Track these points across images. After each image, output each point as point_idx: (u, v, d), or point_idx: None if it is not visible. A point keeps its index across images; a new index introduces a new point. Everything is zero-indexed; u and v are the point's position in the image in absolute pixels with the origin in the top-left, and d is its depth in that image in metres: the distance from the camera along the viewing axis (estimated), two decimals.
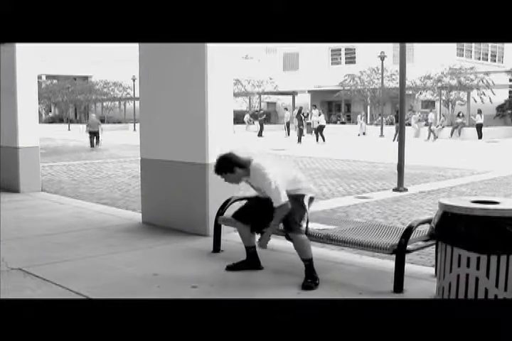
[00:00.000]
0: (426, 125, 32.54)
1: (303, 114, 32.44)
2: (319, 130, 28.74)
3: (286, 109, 38.98)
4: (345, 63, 44.04)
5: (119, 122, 50.40)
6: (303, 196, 4.97)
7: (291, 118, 34.60)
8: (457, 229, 3.91)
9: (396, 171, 11.34)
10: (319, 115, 30.73)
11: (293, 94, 44.27)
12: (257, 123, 37.64)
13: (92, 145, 24.17)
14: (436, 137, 32.17)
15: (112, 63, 54.43)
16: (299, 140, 29.02)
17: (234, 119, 7.42)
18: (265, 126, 37.48)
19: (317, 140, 28.46)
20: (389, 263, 5.14)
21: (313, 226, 5.40)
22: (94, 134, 24.32)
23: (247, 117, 41.77)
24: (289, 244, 6.25)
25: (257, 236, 5.12)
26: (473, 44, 41.72)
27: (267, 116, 39.27)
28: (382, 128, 33.87)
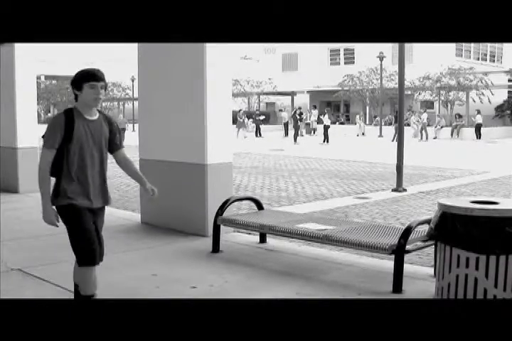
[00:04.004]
0: (428, 125, 32.54)
1: (299, 115, 32.48)
2: (325, 130, 28.73)
3: (281, 110, 39.00)
4: (344, 63, 44.06)
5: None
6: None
7: (290, 118, 34.64)
8: (456, 230, 3.91)
9: (395, 171, 11.35)
10: (324, 115, 30.70)
11: (292, 94, 44.28)
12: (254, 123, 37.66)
13: None
14: (435, 137, 32.21)
15: (111, 63, 54.44)
16: (295, 140, 29.15)
17: (232, 120, 7.42)
18: (264, 127, 37.47)
19: (324, 140, 28.46)
20: (388, 264, 5.14)
21: (312, 226, 5.41)
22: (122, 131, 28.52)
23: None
24: (288, 245, 6.26)
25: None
26: (472, 44, 41.75)
27: (265, 118, 39.25)
28: (381, 129, 33.88)
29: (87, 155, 3.74)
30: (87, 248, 3.85)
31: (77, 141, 3.67)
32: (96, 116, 3.80)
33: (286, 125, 35.20)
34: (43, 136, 3.73)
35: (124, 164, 4.09)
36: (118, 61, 51.94)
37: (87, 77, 3.67)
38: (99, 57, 55.11)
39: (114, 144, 3.94)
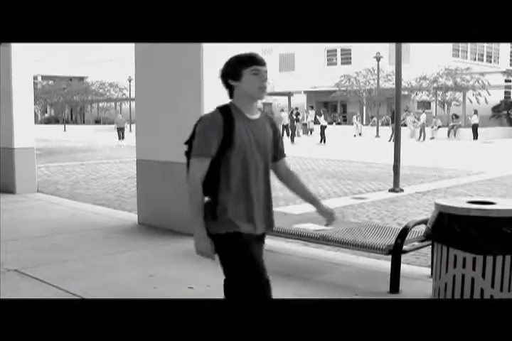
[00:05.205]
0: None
1: (296, 115, 32.51)
2: (322, 130, 28.79)
3: (282, 110, 39.05)
4: (341, 64, 44.12)
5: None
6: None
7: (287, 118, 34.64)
8: (453, 230, 3.92)
9: (392, 172, 11.35)
10: (321, 115, 30.73)
11: (289, 94, 44.31)
12: None
13: (119, 138, 30.52)
14: (432, 138, 32.26)
15: (108, 64, 54.39)
16: (292, 140, 29.27)
17: None
18: None
19: (321, 140, 28.54)
20: (385, 264, 5.15)
21: (309, 226, 5.41)
22: (120, 130, 31.65)
23: None
24: (285, 246, 6.26)
25: None
26: (469, 45, 41.87)
27: None
28: (377, 129, 33.92)
29: (251, 166, 2.86)
30: (257, 287, 2.95)
31: (239, 146, 2.81)
32: (258, 115, 2.97)
33: (286, 127, 35.10)
34: (187, 142, 2.93)
35: (289, 177, 3.16)
36: (115, 61, 51.88)
37: (247, 62, 2.90)
38: (96, 58, 55.10)
39: (278, 151, 3.05)
